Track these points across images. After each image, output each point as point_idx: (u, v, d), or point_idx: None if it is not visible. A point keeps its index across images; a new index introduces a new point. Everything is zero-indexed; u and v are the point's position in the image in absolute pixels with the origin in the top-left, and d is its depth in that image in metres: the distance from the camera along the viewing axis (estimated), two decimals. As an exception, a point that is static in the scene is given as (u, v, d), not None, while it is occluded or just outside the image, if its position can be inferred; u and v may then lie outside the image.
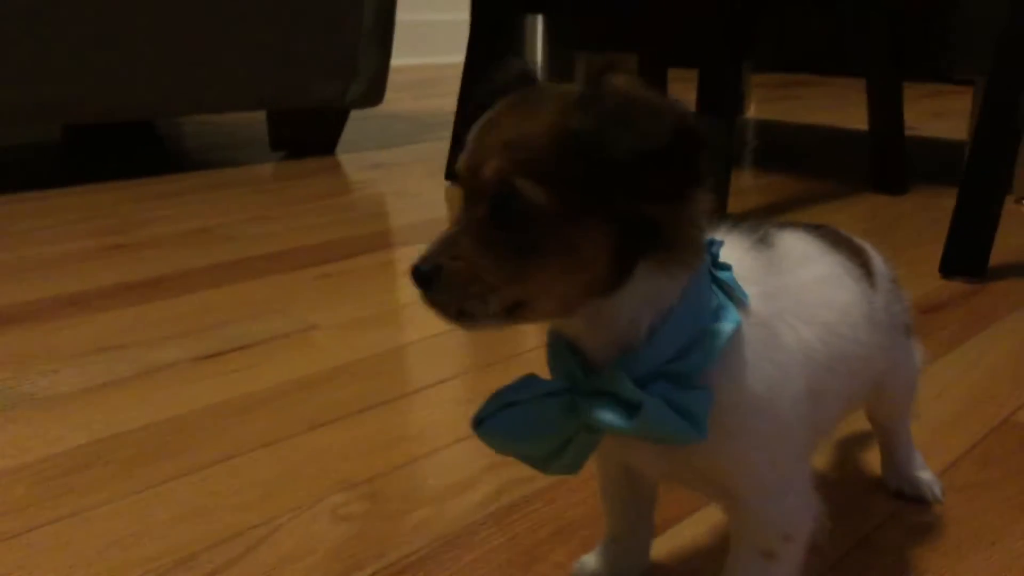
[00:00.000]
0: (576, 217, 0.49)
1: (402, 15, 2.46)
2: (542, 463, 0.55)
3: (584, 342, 0.53)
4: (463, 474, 0.83)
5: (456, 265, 0.50)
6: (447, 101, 2.42)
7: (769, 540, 0.58)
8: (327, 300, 1.30)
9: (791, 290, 0.58)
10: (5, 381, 1.01)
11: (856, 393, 0.66)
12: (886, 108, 1.97)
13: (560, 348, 0.54)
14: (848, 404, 0.66)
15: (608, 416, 0.51)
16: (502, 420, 0.53)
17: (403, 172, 2.21)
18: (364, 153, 2.42)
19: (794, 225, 0.66)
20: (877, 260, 0.72)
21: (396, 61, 2.52)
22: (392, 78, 2.44)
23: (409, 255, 1.25)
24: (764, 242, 0.60)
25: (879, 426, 0.81)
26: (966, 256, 1.41)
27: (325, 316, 1.22)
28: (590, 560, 0.67)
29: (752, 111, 3.32)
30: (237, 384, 1.01)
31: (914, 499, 0.80)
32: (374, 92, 2.33)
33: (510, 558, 0.72)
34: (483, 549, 0.73)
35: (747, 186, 2.14)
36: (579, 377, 0.53)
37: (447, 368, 1.07)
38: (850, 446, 0.90)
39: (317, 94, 2.22)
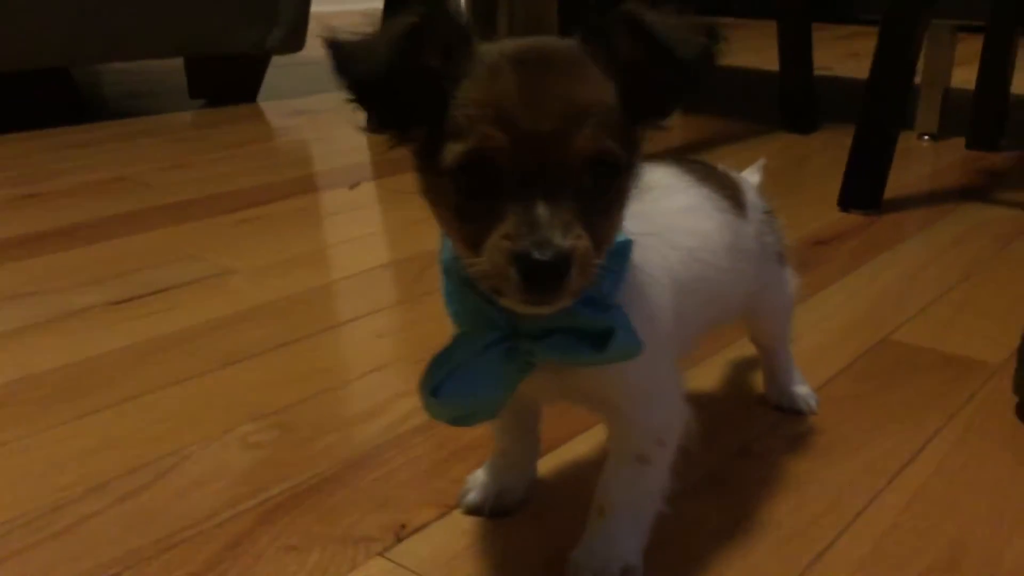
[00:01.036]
0: (632, 165, 0.52)
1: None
2: (470, 418, 0.57)
3: None
4: (371, 403, 0.87)
5: (583, 244, 0.48)
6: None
7: (643, 445, 0.63)
8: (245, 245, 1.31)
9: (656, 217, 0.63)
10: (-83, 329, 1.02)
11: (719, 314, 0.71)
12: (795, 50, 2.03)
13: (474, 299, 0.54)
14: (710, 323, 0.71)
15: (583, 354, 0.54)
16: (456, 384, 0.54)
17: (326, 119, 2.22)
18: (287, 100, 2.42)
19: (666, 160, 0.71)
20: (750, 193, 0.76)
21: (321, 7, 2.50)
22: (316, 24, 2.42)
23: (330, 199, 1.28)
24: None
25: (760, 346, 0.87)
26: (862, 190, 1.48)
27: (243, 260, 1.24)
28: (480, 473, 0.72)
29: (675, 54, 3.36)
30: (152, 327, 1.03)
31: (792, 411, 0.86)
32: (295, 38, 2.31)
33: (410, 476, 0.76)
34: (385, 469, 0.77)
35: (676, 124, 2.18)
36: (506, 323, 0.54)
37: (362, 306, 1.10)
38: (738, 366, 0.95)
39: (236, 40, 2.21)
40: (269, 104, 2.37)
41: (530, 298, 0.48)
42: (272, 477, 0.75)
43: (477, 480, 0.72)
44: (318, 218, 1.48)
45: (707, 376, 0.94)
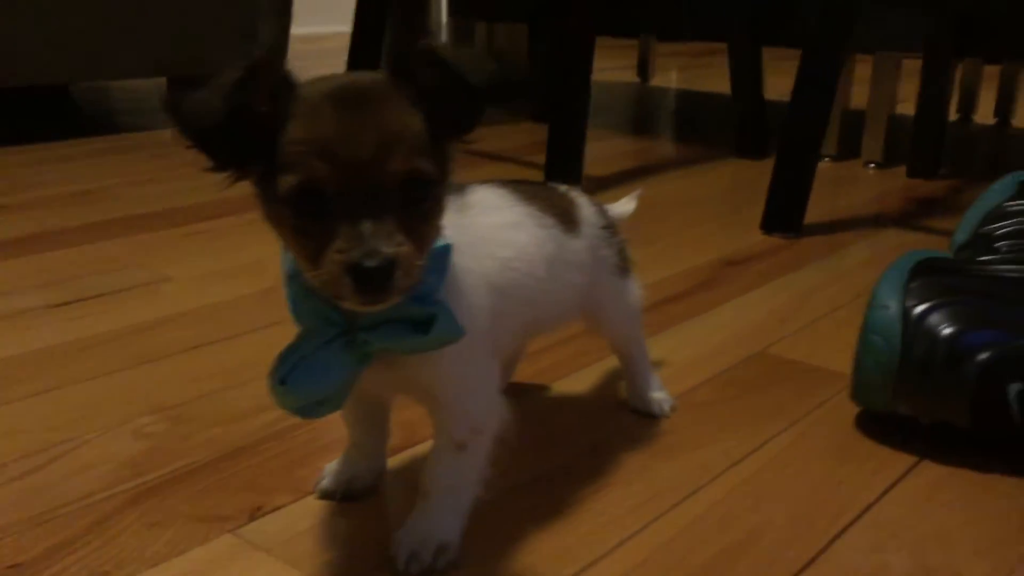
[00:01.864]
0: (444, 177, 0.61)
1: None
2: (315, 408, 0.64)
3: None
4: (263, 401, 0.95)
5: (404, 251, 0.56)
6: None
7: (461, 433, 0.70)
8: (188, 255, 1.40)
9: (476, 230, 0.71)
10: None
11: (542, 317, 0.79)
12: (746, 75, 2.10)
13: (314, 302, 0.62)
14: (533, 325, 0.79)
15: (410, 337, 0.62)
16: (301, 374, 0.62)
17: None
18: (265, 120, 2.51)
19: (498, 182, 0.79)
20: (587, 211, 0.84)
21: (305, 29, 2.61)
22: (299, 47, 2.53)
23: None
24: (457, 192, 0.72)
25: (617, 353, 0.94)
26: (782, 214, 1.55)
27: (181, 269, 1.33)
28: (334, 464, 0.80)
29: (656, 79, 3.45)
30: (81, 327, 1.12)
31: (647, 415, 0.93)
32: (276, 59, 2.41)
33: (279, 465, 0.83)
34: (259, 459, 0.84)
35: (626, 150, 2.26)
36: (343, 320, 0.62)
37: (283, 314, 1.17)
38: (613, 375, 1.03)
39: (216, 62, 2.30)
40: (249, 123, 2.46)
41: (365, 299, 0.57)
42: (153, 464, 0.83)
43: (332, 469, 0.80)
44: (256, 231, 1.56)
45: (581, 382, 1.01)
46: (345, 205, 0.56)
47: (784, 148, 1.55)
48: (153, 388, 0.97)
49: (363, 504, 0.78)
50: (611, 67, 3.71)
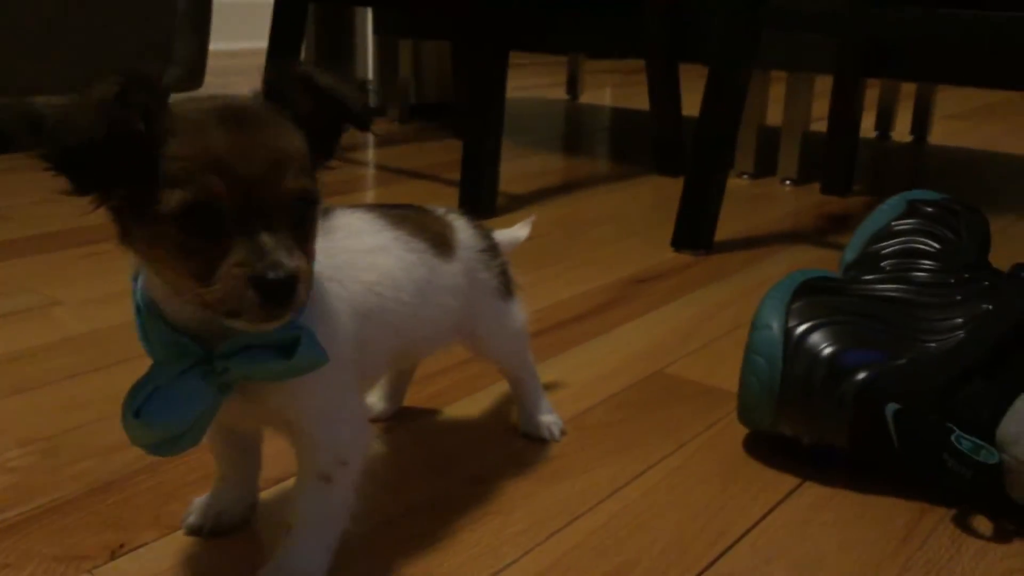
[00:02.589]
0: (320, 199, 0.60)
1: None
2: (171, 445, 0.62)
3: (206, 321, 0.59)
4: (140, 430, 0.92)
5: (304, 264, 0.57)
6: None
7: (327, 464, 0.68)
8: (82, 278, 1.36)
9: (340, 254, 0.69)
10: None
11: (414, 342, 0.77)
12: (663, 92, 2.11)
13: (167, 332, 0.60)
14: (405, 350, 0.77)
15: (272, 362, 0.60)
16: (156, 405, 0.59)
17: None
18: (183, 137, 2.46)
19: (366, 206, 0.77)
20: (463, 234, 0.83)
21: (225, 45, 2.56)
22: (222, 63, 2.49)
23: None
24: (322, 216, 0.70)
25: (505, 376, 0.93)
26: (691, 231, 1.55)
27: (73, 293, 1.29)
28: (202, 498, 0.77)
29: (587, 96, 3.46)
30: (-42, 355, 1.07)
31: (537, 439, 0.92)
32: (193, 77, 2.37)
33: (149, 500, 0.80)
34: (128, 493, 0.81)
35: (548, 168, 2.25)
36: (199, 349, 0.60)
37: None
38: (505, 400, 1.01)
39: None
40: (167, 140, 2.41)
41: (267, 314, 0.56)
42: (16, 500, 0.79)
43: (199, 503, 0.77)
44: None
45: (474, 406, 1.00)
46: (240, 220, 0.55)
47: (693, 165, 1.55)
48: (26, 418, 0.94)
49: (232, 539, 0.75)
50: (540, 84, 3.73)
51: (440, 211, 0.84)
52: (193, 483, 0.83)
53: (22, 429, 0.91)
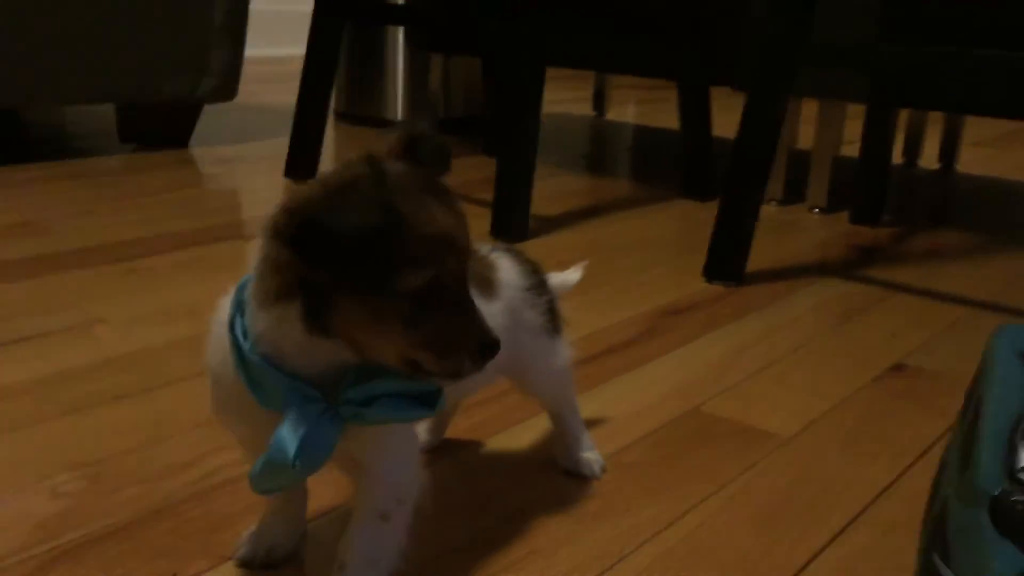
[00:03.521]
0: None
1: (272, 5, 2.53)
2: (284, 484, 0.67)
3: (329, 369, 0.62)
4: (186, 457, 0.93)
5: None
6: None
7: (385, 503, 0.70)
8: (123, 295, 1.38)
9: None
10: None
11: (464, 383, 0.78)
12: (694, 114, 2.12)
13: (284, 379, 0.62)
14: (454, 392, 0.78)
15: (414, 411, 0.64)
16: (307, 447, 0.61)
17: (248, 168, 2.29)
18: (216, 147, 2.49)
19: None
20: (507, 273, 0.83)
21: (263, 52, 2.59)
22: (260, 69, 2.51)
23: (228, 250, 1.35)
24: None
25: (548, 412, 0.94)
26: (724, 262, 1.56)
27: (115, 310, 1.31)
28: (253, 530, 0.78)
29: (612, 113, 3.47)
30: (8, 374, 1.09)
31: (577, 475, 0.93)
32: (227, 87, 2.40)
33: (199, 528, 0.82)
34: (178, 520, 0.83)
35: (576, 188, 2.27)
36: (322, 394, 0.62)
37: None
38: (544, 430, 1.02)
39: (166, 89, 2.28)
40: (200, 150, 2.44)
41: (473, 372, 0.62)
42: (68, 525, 0.81)
43: (250, 534, 0.78)
44: (211, 270, 1.54)
45: (514, 439, 1.01)
46: (463, 291, 0.62)
47: (726, 197, 1.56)
48: (74, 441, 0.95)
49: (282, 571, 0.77)
50: (566, 99, 3.74)
51: (484, 249, 0.85)
52: (237, 513, 0.84)
53: (70, 453, 0.93)
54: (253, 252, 0.63)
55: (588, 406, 1.08)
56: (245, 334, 0.64)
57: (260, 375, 0.63)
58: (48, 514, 0.83)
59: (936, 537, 0.69)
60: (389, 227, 0.57)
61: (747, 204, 1.55)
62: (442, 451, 0.98)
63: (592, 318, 1.36)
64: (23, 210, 1.79)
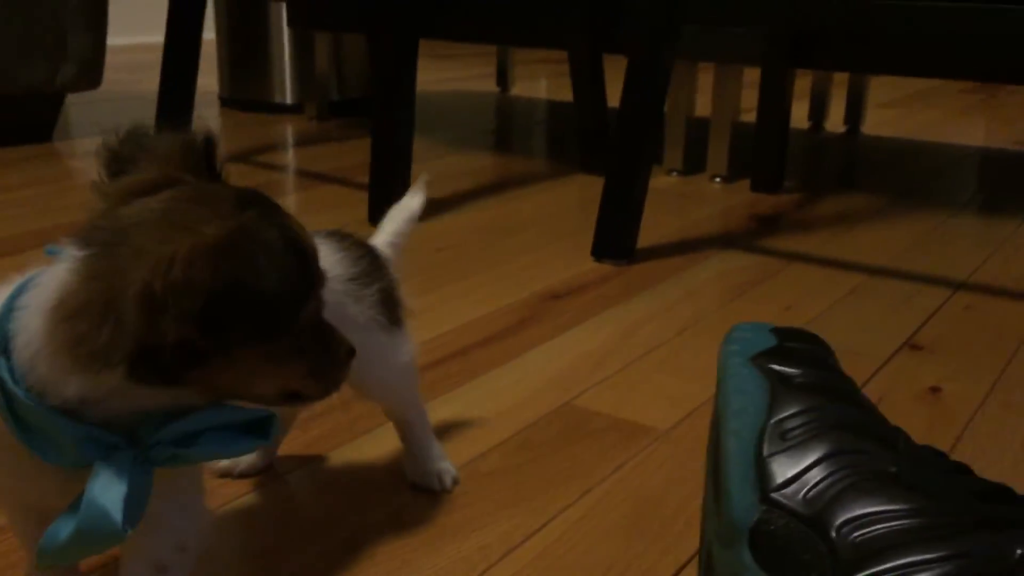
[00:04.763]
0: None
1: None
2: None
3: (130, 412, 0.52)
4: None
5: None
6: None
7: (165, 553, 0.58)
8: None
9: None
10: None
11: None
12: (587, 85, 2.02)
13: (75, 427, 0.51)
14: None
15: (245, 442, 0.55)
16: (130, 506, 0.51)
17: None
18: (83, 139, 2.32)
19: None
20: (327, 262, 0.72)
21: (133, 40, 2.42)
22: (129, 58, 2.34)
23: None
24: None
25: (391, 418, 0.83)
26: (612, 239, 1.46)
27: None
28: (20, 583, 0.66)
29: (519, 88, 3.36)
30: None
31: (425, 489, 0.82)
32: (90, 75, 2.23)
33: (-36, 585, 0.69)
34: (-60, 577, 0.70)
35: (471, 167, 2.15)
36: (111, 436, 0.51)
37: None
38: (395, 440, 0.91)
39: (22, 79, 2.11)
40: (65, 144, 2.27)
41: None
42: None
43: (17, 591, 0.66)
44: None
45: (354, 453, 0.89)
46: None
47: (612, 168, 1.46)
48: None
49: (53, 636, 0.65)
50: (470, 76, 3.62)
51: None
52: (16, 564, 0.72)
53: None
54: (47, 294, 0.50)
55: (450, 407, 0.98)
56: (13, 376, 0.51)
57: (42, 423, 0.51)
58: None
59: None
60: (302, 268, 0.54)
61: (634, 175, 1.45)
62: (275, 470, 0.86)
63: (466, 307, 1.26)
64: None
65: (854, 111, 2.62)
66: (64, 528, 0.52)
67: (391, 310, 0.77)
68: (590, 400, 1.00)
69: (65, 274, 0.51)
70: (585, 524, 0.78)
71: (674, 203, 1.84)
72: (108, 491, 0.51)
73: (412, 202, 0.85)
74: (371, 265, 0.76)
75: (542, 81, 3.77)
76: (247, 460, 0.84)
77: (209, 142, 0.57)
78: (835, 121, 2.67)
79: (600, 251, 1.46)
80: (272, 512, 0.81)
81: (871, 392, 0.95)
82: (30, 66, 2.11)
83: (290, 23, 2.60)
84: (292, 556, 0.74)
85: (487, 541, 0.76)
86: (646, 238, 1.53)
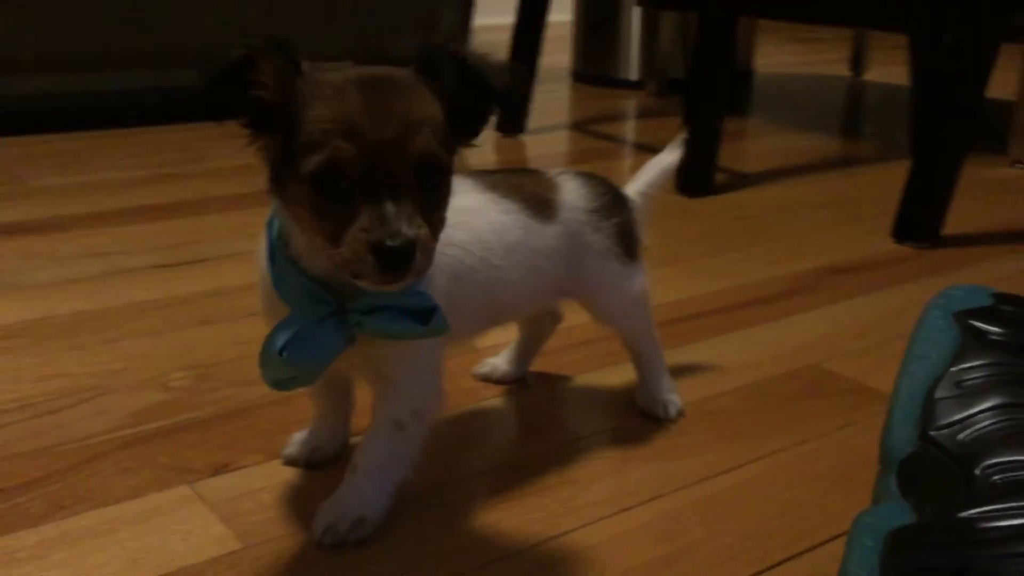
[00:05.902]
0: (453, 169, 0.64)
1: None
2: (294, 381, 0.67)
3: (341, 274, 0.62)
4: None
5: (424, 233, 0.59)
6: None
7: (403, 412, 0.71)
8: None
9: None
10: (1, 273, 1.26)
11: (502, 304, 0.78)
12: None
13: (304, 282, 0.65)
14: (494, 312, 0.79)
15: (408, 325, 0.64)
16: (298, 347, 0.64)
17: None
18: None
19: (471, 171, 0.78)
20: (570, 195, 0.81)
21: (494, 20, 2.58)
22: (492, 37, 2.57)
23: None
24: None
25: (627, 349, 0.91)
26: (916, 221, 1.42)
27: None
28: (301, 433, 0.83)
29: (874, 73, 3.23)
30: (171, 288, 1.21)
31: (651, 416, 0.89)
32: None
33: (269, 428, 0.87)
34: (254, 420, 0.89)
35: (793, 147, 2.14)
36: (334, 300, 0.64)
37: None
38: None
39: (390, 52, 2.40)
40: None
41: (385, 278, 0.59)
42: (160, 414, 0.89)
43: (298, 438, 0.82)
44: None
45: (599, 379, 0.98)
46: (367, 185, 0.59)
47: (919, 147, 1.42)
48: (199, 347, 1.04)
49: (322, 473, 0.80)
50: (824, 60, 3.52)
51: (551, 172, 0.83)
52: (308, 420, 0.89)
53: (193, 355, 1.02)
54: None
55: (695, 354, 1.04)
56: (279, 235, 0.67)
57: (284, 271, 0.66)
58: (151, 403, 0.92)
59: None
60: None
61: (944, 154, 1.39)
62: (526, 382, 0.97)
63: (744, 271, 1.29)
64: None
65: None
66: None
67: (627, 243, 0.85)
68: (838, 364, 1.01)
69: None
70: (789, 467, 0.81)
71: (1008, 195, 1.72)
72: (284, 328, 0.64)
73: (668, 157, 0.93)
74: (612, 201, 0.84)
75: (898, 67, 3.57)
76: (503, 369, 0.96)
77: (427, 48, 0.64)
78: None
79: (902, 233, 1.42)
80: (507, 414, 0.92)
81: None
82: (400, 40, 2.39)
83: (639, 2, 2.71)
84: (515, 448, 0.85)
85: (690, 466, 0.81)
86: (962, 226, 1.46)
